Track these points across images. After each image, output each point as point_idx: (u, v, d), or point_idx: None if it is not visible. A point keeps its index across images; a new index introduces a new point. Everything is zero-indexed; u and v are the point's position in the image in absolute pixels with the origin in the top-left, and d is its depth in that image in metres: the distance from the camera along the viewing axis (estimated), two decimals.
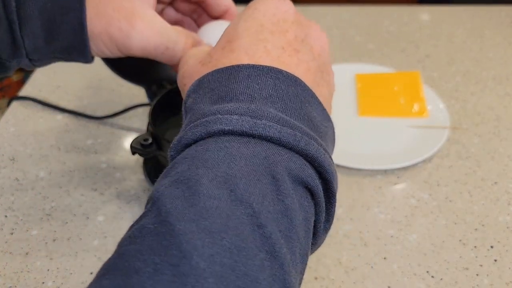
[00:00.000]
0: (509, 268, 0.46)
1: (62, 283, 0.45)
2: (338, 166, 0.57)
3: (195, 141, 0.26)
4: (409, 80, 0.70)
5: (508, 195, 0.54)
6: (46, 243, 0.49)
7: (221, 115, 0.25)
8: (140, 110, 0.66)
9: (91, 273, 0.46)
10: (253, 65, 0.27)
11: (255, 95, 0.27)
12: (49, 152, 0.60)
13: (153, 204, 0.23)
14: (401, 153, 0.59)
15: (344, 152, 0.59)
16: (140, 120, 0.65)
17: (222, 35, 0.31)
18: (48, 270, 0.46)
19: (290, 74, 0.28)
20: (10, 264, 0.47)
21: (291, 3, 0.31)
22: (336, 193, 0.28)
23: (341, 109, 0.66)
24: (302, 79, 0.28)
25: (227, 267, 0.20)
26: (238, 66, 0.28)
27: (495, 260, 0.47)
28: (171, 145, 0.27)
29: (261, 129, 0.25)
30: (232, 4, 0.43)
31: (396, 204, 0.53)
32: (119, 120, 0.65)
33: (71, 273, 0.46)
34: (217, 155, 0.24)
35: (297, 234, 0.24)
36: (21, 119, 0.66)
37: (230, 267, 0.20)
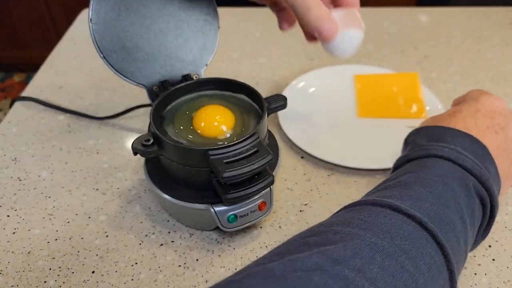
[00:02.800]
0: (507, 267, 0.47)
1: (64, 282, 0.45)
2: (337, 166, 0.58)
3: (417, 158, 0.42)
4: (407, 81, 0.71)
5: (505, 194, 0.55)
6: (48, 242, 0.49)
7: (437, 146, 0.41)
8: (141, 110, 0.66)
9: (93, 272, 0.46)
10: (459, 130, 0.43)
11: (457, 143, 0.42)
12: (51, 152, 0.61)
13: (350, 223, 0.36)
14: (400, 153, 0.59)
15: (343, 152, 0.59)
16: (141, 120, 0.65)
17: (451, 110, 0.47)
18: (50, 269, 0.47)
19: (481, 142, 0.42)
20: (12, 263, 0.47)
21: (504, 102, 0.46)
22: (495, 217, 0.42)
23: (340, 110, 0.67)
24: (490, 150, 0.42)
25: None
26: (448, 128, 0.44)
27: (493, 259, 0.47)
28: (399, 158, 0.45)
29: (461, 160, 0.40)
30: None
31: None
32: (120, 120, 0.65)
33: (73, 272, 0.46)
34: (435, 172, 0.39)
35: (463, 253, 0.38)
36: (23, 120, 0.66)
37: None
